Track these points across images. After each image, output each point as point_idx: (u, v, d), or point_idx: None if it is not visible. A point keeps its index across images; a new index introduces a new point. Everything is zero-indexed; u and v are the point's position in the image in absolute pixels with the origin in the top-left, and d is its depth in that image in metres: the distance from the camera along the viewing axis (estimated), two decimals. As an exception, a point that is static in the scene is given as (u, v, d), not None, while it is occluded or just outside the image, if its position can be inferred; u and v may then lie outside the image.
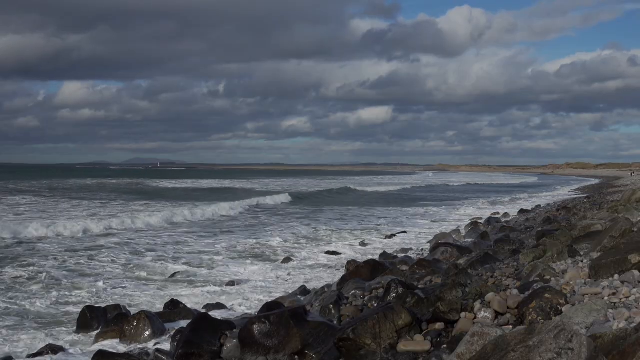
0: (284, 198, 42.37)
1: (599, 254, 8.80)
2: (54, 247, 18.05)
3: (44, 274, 13.60)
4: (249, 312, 10.35)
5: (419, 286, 9.37)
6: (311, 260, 16.46)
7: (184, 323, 8.90)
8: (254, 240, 19.89)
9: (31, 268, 14.29)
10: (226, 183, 78.13)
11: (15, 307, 10.89)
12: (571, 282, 7.38)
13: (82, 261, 15.61)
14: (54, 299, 11.51)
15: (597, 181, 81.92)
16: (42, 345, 8.46)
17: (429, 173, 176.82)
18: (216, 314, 9.77)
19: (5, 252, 16.78)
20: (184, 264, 15.41)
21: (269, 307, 9.02)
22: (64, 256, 16.20)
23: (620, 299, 6.27)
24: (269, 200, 40.00)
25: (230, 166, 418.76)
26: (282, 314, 7.07)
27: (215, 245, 19.06)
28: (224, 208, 31.64)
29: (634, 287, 6.51)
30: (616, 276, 7.06)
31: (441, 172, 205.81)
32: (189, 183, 77.34)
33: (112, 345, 8.49)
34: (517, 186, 77.16)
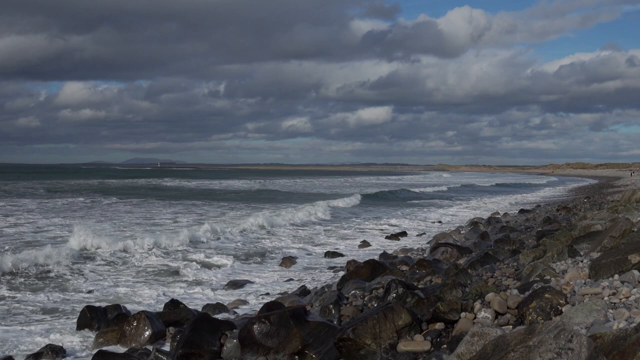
0: (356, 200, 41.38)
1: (599, 254, 8.79)
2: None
3: (45, 274, 13.61)
4: (249, 312, 10.35)
5: (419, 286, 9.37)
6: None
7: (184, 323, 8.90)
8: (272, 244, 19.73)
9: (32, 268, 14.28)
10: (266, 184, 74.32)
11: (15, 307, 10.90)
12: (571, 282, 7.37)
13: (84, 261, 15.61)
14: (54, 299, 11.52)
15: (596, 181, 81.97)
16: (42, 345, 8.46)
17: (442, 173, 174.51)
18: (216, 314, 9.78)
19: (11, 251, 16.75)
20: (185, 264, 15.40)
21: (269, 307, 9.00)
22: (67, 256, 16.16)
23: (620, 299, 6.26)
24: (342, 202, 38.49)
25: (231, 166, 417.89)
26: (282, 314, 7.07)
27: (220, 246, 19.06)
28: (315, 210, 29.83)
29: (634, 287, 6.50)
30: (616, 276, 7.05)
31: (449, 172, 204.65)
32: (223, 184, 73.21)
33: (112, 345, 8.49)
34: (544, 185, 77.17)
